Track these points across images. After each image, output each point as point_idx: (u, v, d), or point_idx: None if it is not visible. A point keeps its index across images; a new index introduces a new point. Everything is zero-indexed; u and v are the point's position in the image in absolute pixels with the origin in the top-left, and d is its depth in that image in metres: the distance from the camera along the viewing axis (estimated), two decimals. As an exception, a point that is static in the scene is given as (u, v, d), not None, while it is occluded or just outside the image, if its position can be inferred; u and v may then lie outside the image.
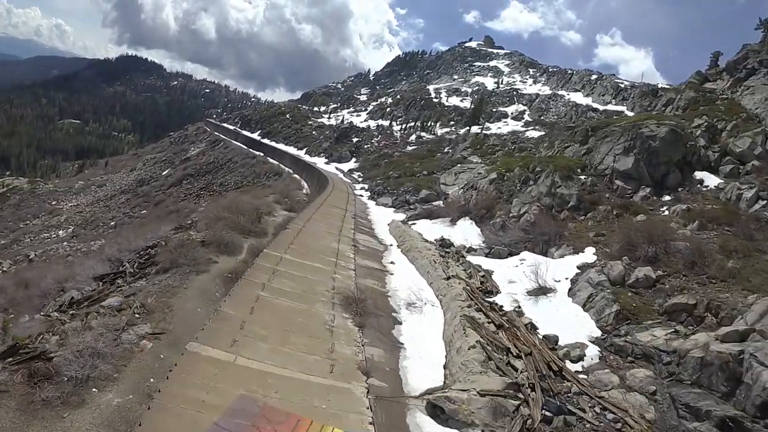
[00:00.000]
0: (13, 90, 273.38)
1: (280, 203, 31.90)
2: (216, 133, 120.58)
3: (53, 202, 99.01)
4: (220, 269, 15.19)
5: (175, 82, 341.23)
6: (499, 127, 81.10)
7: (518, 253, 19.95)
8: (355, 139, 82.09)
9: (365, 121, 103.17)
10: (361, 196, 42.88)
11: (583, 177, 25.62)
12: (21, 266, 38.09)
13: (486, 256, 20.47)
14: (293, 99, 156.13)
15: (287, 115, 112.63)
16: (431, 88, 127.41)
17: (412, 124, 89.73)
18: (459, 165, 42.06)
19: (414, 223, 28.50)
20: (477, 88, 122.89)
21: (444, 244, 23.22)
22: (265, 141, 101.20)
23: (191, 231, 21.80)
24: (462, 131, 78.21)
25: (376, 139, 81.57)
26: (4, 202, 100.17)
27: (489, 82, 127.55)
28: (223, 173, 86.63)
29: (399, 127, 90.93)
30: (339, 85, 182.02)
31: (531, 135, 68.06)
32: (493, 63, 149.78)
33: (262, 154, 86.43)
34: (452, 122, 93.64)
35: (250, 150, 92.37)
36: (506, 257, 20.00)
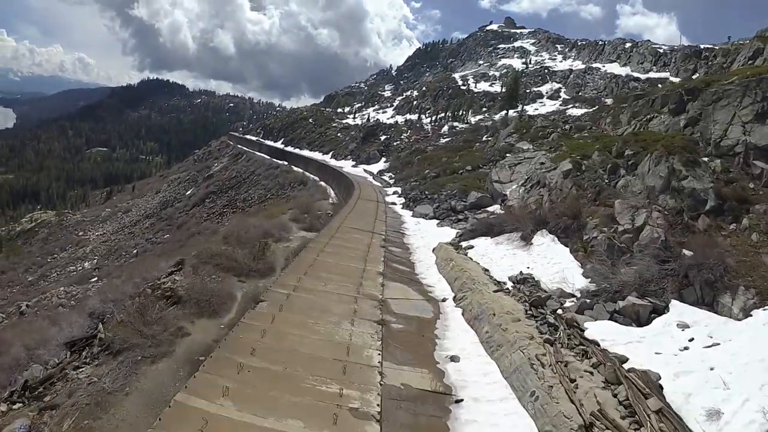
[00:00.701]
0: (40, 125, 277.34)
1: (298, 221, 25.62)
2: (239, 146, 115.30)
3: (80, 233, 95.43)
4: (190, 347, 9.96)
5: (199, 100, 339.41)
6: (536, 108, 76.45)
7: (664, 309, 10.95)
8: (382, 137, 75.43)
9: (392, 117, 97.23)
10: (393, 204, 34.87)
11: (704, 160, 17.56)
12: (11, 320, 32.34)
13: (611, 318, 10.89)
14: (316, 104, 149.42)
15: (310, 120, 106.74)
16: (457, 75, 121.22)
17: (442, 114, 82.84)
18: (510, 155, 33.74)
19: (470, 246, 19.49)
20: (505, 70, 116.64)
21: (530, 293, 13.09)
22: (289, 149, 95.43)
23: (176, 276, 15.52)
24: (497, 116, 70.94)
25: (405, 134, 74.64)
26: (33, 237, 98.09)
27: (517, 63, 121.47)
28: (246, 187, 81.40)
29: (429, 119, 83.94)
30: (362, 85, 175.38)
31: (573, 113, 61.44)
32: (518, 44, 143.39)
33: (286, 162, 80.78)
34: (484, 108, 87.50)
35: (274, 160, 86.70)
36: (648, 320, 10.75)
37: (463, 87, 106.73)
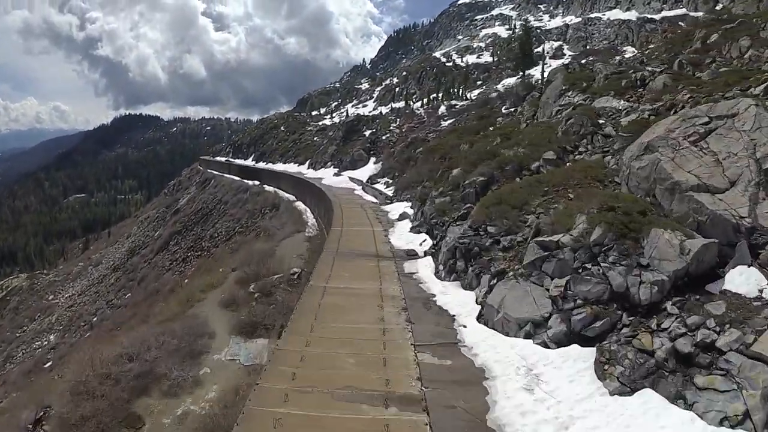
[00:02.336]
0: (18, 180, 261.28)
1: (235, 304, 10.50)
2: (209, 170, 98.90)
3: (50, 297, 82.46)
4: None
5: (174, 128, 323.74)
6: (542, 71, 61.68)
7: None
8: (367, 132, 59.26)
9: (374, 110, 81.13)
10: (414, 256, 16.84)
11: None
12: None
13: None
14: (290, 111, 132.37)
15: (282, 128, 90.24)
16: (438, 54, 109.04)
17: (433, 96, 66.79)
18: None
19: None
20: (489, 39, 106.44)
21: None
22: (260, 165, 79.92)
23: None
24: (500, 85, 55.67)
25: (394, 125, 58.36)
26: (4, 307, 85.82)
27: (500, 31, 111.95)
28: (213, 220, 66.32)
29: (418, 103, 67.92)
30: (336, 84, 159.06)
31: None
32: (496, 11, 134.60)
33: (257, 182, 65.83)
34: (479, 81, 72.65)
35: (244, 181, 71.39)
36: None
37: (448, 64, 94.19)
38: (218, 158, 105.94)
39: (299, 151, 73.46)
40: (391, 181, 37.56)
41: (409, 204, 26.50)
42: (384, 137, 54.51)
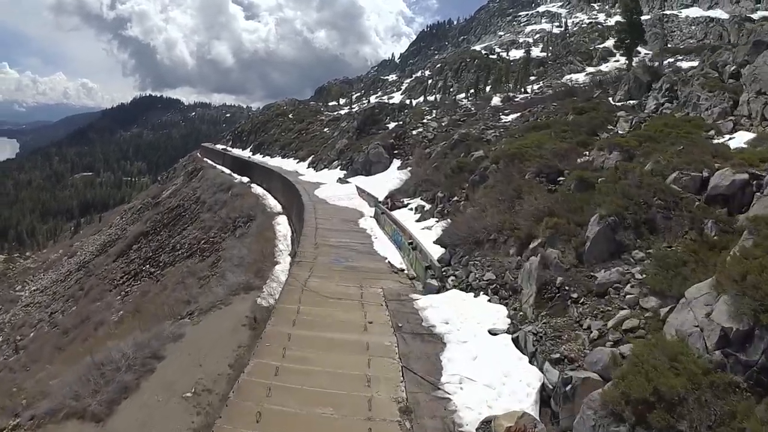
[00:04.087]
0: (34, 153, 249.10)
1: None
2: (205, 159, 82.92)
3: (18, 287, 72.86)
4: None
5: (193, 113, 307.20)
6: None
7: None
8: (391, 125, 42.55)
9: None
10: None
11: None
12: None
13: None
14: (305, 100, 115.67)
15: (289, 116, 73.62)
16: (478, 48, 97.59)
17: (480, 87, 50.07)
18: None
19: None
20: (537, 36, 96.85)
21: None
22: (256, 157, 63.71)
23: None
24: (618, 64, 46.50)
25: (429, 116, 41.46)
26: None
27: (549, 28, 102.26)
28: (183, 224, 50.27)
29: (461, 95, 51.42)
30: (361, 76, 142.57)
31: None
32: (542, 8, 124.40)
33: (246, 179, 51.19)
34: (533, 75, 59.42)
35: (233, 176, 56.40)
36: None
37: (492, 57, 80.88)
38: (218, 146, 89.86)
39: (303, 144, 57.27)
40: (428, 206, 21.13)
41: (487, 299, 11.48)
42: (415, 132, 37.69)
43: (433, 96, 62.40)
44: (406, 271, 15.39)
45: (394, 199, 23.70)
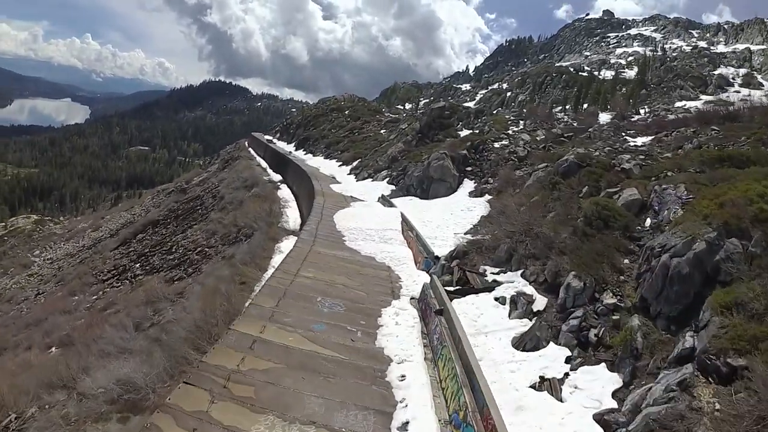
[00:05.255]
0: (97, 122, 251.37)
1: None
2: (250, 149, 75.06)
3: (36, 252, 66.84)
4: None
5: (259, 103, 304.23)
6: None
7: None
8: (464, 132, 32.00)
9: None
10: None
11: None
12: None
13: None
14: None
15: (345, 112, 64.20)
16: (565, 65, 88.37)
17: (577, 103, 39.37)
18: None
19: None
20: (630, 58, 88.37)
21: None
22: (298, 153, 54.31)
23: None
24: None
25: (515, 127, 30.74)
26: None
27: (642, 51, 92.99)
28: (192, 220, 41.24)
29: (557, 108, 40.94)
30: (431, 82, 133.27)
31: None
32: (634, 31, 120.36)
33: (279, 178, 42.63)
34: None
35: (267, 171, 48.31)
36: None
37: (582, 74, 70.69)
38: (266, 137, 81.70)
39: (351, 145, 47.51)
40: (540, 300, 10.24)
41: None
42: (497, 144, 27.03)
43: (510, 111, 51.63)
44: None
45: (466, 264, 13.55)
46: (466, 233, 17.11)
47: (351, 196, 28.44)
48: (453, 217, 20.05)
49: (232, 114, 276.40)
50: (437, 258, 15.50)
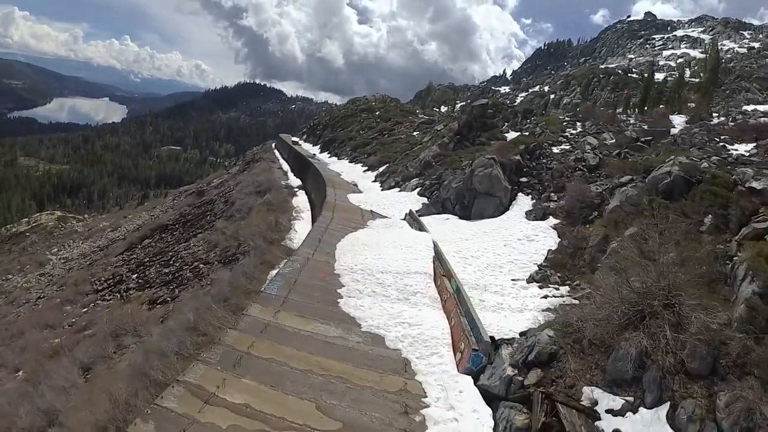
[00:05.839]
0: (130, 121, 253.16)
1: None
2: (276, 150, 70.93)
3: (54, 249, 65.42)
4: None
5: (293, 106, 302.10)
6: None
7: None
8: (511, 134, 26.63)
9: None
10: None
11: None
12: None
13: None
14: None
15: (376, 112, 59.28)
16: (611, 66, 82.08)
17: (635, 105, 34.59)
18: None
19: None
20: (681, 60, 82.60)
21: None
22: (322, 156, 49.87)
23: None
24: None
25: (573, 129, 25.29)
26: (19, 243, 72.90)
27: (693, 53, 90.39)
28: (199, 227, 37.06)
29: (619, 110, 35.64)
30: (468, 84, 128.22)
31: None
32: (680, 32, 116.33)
33: (299, 183, 37.91)
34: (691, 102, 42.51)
35: (287, 174, 43.14)
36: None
37: (632, 76, 65.45)
38: (293, 138, 77.43)
39: (379, 147, 42.39)
40: None
41: None
42: (556, 149, 21.58)
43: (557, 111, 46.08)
44: None
45: (556, 387, 7.27)
46: (531, 281, 11.64)
47: (371, 211, 23.31)
48: (508, 250, 14.46)
49: (265, 116, 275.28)
50: (496, 346, 8.88)
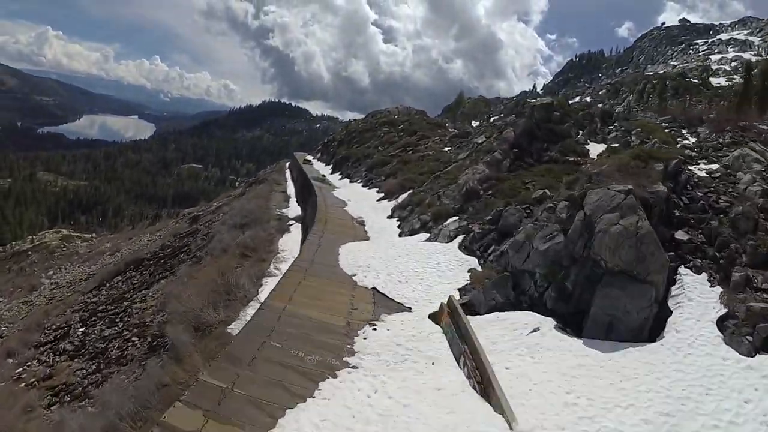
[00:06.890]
0: (154, 138, 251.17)
1: None
2: (288, 170, 62.58)
3: (49, 272, 60.01)
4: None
5: (318, 125, 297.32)
6: None
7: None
8: (591, 147, 17.57)
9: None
10: None
11: None
12: None
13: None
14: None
15: (399, 126, 50.45)
16: (660, 72, 79.36)
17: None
18: None
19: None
20: (734, 63, 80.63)
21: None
22: (333, 177, 41.10)
23: None
24: None
25: (683, 140, 16.05)
26: (19, 262, 68.73)
27: (745, 56, 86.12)
28: (164, 270, 27.05)
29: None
30: (500, 96, 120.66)
31: None
32: (725, 36, 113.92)
33: (300, 211, 29.47)
34: None
35: (291, 200, 35.86)
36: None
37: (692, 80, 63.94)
38: (307, 156, 69.04)
39: (400, 167, 33.23)
40: None
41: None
42: (702, 172, 12.44)
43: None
44: None
45: None
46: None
47: (373, 290, 12.91)
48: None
49: (290, 135, 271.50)
50: None
